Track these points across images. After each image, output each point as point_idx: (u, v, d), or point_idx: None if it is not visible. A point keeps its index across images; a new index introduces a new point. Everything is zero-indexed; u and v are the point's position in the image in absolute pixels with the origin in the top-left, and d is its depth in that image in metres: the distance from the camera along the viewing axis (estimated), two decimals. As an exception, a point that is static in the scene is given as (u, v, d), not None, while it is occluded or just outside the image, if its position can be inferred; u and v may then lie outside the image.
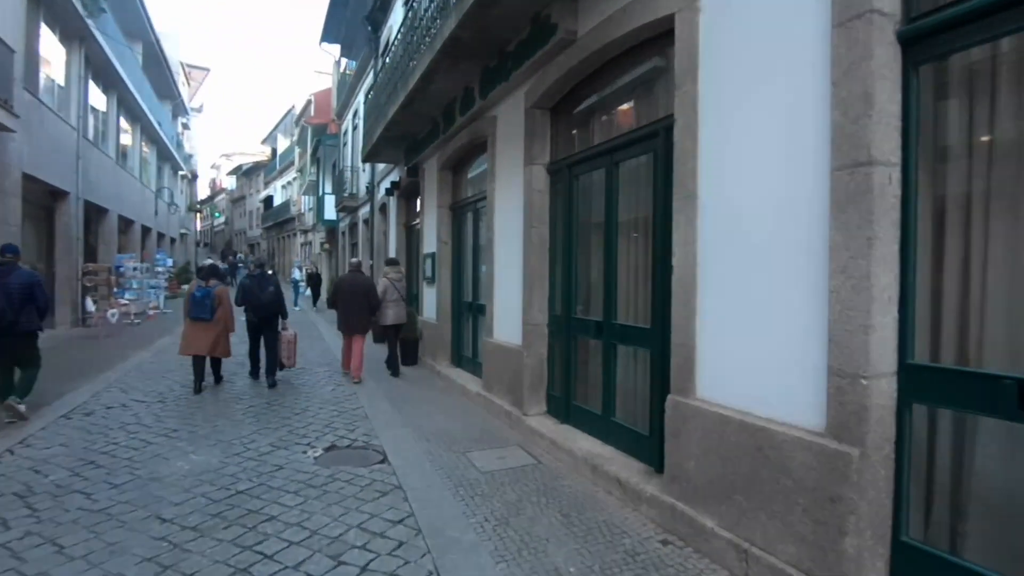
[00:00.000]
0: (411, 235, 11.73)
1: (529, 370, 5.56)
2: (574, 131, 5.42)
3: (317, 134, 24.73)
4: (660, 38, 3.98)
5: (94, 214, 16.55)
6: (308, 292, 21.93)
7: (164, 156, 26.96)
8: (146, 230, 22.91)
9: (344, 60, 21.79)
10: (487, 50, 5.92)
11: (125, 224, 20.00)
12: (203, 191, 62.40)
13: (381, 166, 14.11)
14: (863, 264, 2.45)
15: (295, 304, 20.13)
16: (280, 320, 7.86)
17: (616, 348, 4.60)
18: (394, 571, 3.03)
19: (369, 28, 14.60)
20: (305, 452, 4.96)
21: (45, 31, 12.51)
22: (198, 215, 50.59)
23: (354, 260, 8.77)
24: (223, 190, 63.27)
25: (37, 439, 5.27)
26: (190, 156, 36.63)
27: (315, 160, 25.20)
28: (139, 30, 21.40)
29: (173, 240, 30.53)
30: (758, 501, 2.89)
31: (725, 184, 3.22)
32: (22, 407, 5.65)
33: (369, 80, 14.19)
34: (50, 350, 7.67)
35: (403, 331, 9.21)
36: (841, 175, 2.53)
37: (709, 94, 3.35)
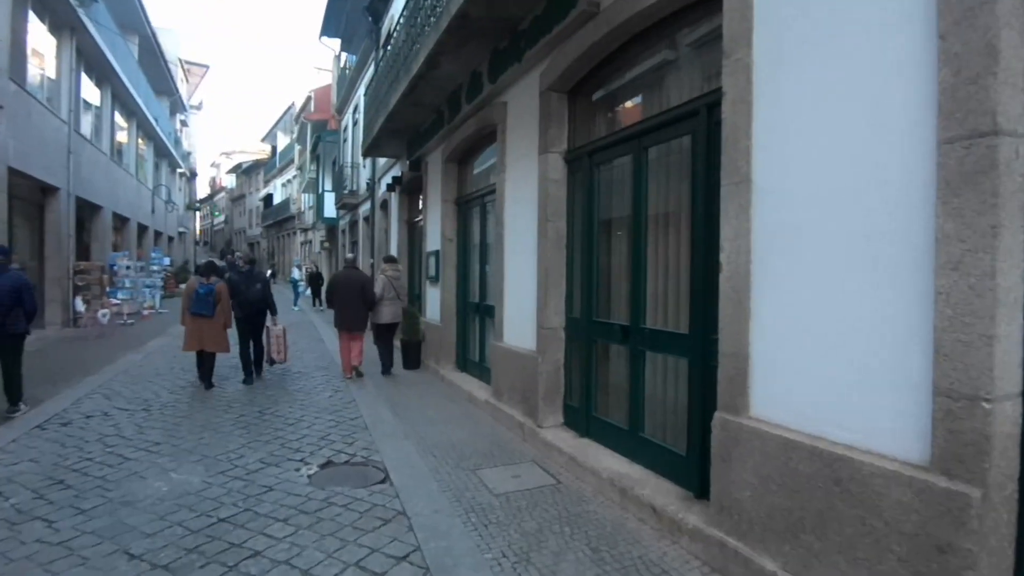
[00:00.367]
0: (414, 232, 11.25)
1: (544, 378, 5.07)
2: (595, 115, 4.93)
3: (317, 130, 24.26)
4: (700, 3, 3.49)
5: (87, 211, 16.09)
6: (308, 292, 21.44)
7: (161, 153, 26.49)
8: (142, 228, 22.45)
9: (344, 55, 21.32)
10: (497, 28, 5.44)
11: (120, 222, 19.54)
12: (203, 190, 62.05)
13: (382, 161, 13.62)
14: (984, 259, 1.96)
15: (294, 305, 19.65)
16: (270, 316, 7.94)
17: (645, 356, 4.11)
18: (398, 625, 2.55)
19: (370, 19, 14.13)
20: (298, 469, 4.47)
21: (33, 20, 12.03)
22: (197, 214, 50.20)
23: (349, 256, 8.67)
24: (223, 189, 62.83)
25: (5, 453, 4.80)
26: (188, 154, 36.18)
27: (315, 157, 24.71)
28: (135, 24, 20.94)
29: (171, 239, 30.06)
30: (835, 544, 2.41)
31: (789, 165, 2.72)
32: (24, 407, 5.97)
33: (370, 73, 13.69)
34: (36, 352, 7.27)
35: (406, 333, 8.74)
36: (953, 149, 2.04)
37: (766, 61, 2.86)
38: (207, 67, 41.83)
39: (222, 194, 62.77)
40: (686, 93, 3.79)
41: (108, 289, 14.42)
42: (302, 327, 14.60)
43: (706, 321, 3.41)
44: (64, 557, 3.09)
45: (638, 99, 4.41)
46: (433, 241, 8.73)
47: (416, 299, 10.74)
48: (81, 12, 13.21)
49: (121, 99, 18.58)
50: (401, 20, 8.04)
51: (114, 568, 2.98)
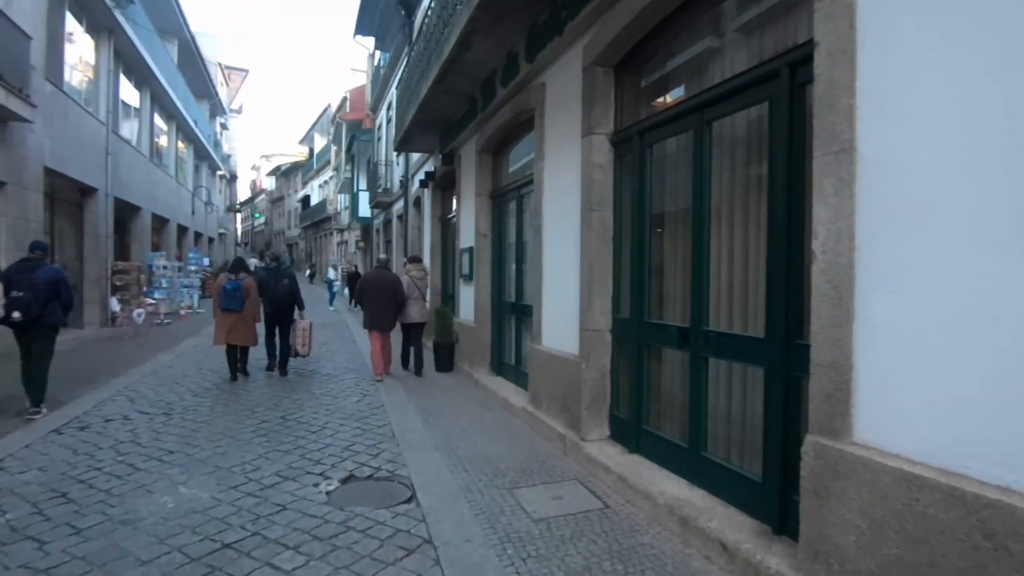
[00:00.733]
0: (447, 229, 10.84)
1: (588, 385, 4.55)
2: (646, 90, 4.40)
3: (352, 130, 24.18)
4: (779, -56, 2.93)
5: (127, 212, 16.23)
6: (345, 292, 21.29)
7: (201, 155, 26.85)
8: (182, 229, 22.72)
9: (378, 53, 21.16)
10: (535, 1, 4.95)
11: (160, 223, 19.75)
12: (244, 192, 63.36)
13: (415, 157, 13.28)
14: None
15: (330, 305, 19.52)
16: (296, 311, 8.13)
17: (707, 363, 3.55)
18: None
19: (403, 12, 13.81)
20: (317, 485, 4.06)
21: (71, 21, 12.09)
22: (238, 215, 51.17)
23: (382, 256, 8.75)
24: (263, 191, 64.02)
25: (16, 459, 4.53)
26: (228, 156, 36.76)
27: (350, 157, 24.64)
28: (174, 28, 21.18)
29: (211, 240, 30.49)
30: (986, 618, 1.83)
31: (910, 127, 2.15)
32: (43, 409, 5.84)
33: (403, 69, 13.38)
34: (71, 352, 7.15)
35: (439, 335, 8.33)
36: None
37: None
38: (247, 71, 42.63)
39: (262, 196, 63.96)
40: (760, 53, 3.22)
41: (145, 289, 14.46)
42: (335, 327, 14.40)
43: (789, 323, 2.85)
44: (46, 589, 2.72)
45: (698, 67, 3.84)
46: (466, 237, 8.28)
47: (449, 299, 10.33)
48: (118, 13, 13.26)
49: (160, 101, 18.75)
50: (433, 3, 7.62)
51: (98, 605, 2.60)
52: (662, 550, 3.14)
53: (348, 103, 27.82)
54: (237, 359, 7.70)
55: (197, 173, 26.51)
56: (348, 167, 25.46)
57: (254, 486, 4.00)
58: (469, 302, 8.16)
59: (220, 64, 33.67)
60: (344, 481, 4.16)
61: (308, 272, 37.89)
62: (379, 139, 19.93)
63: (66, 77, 11.80)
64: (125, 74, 15.48)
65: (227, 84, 37.82)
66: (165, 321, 14.74)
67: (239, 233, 55.57)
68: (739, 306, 3.37)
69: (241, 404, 6.34)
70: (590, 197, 4.54)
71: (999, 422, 1.87)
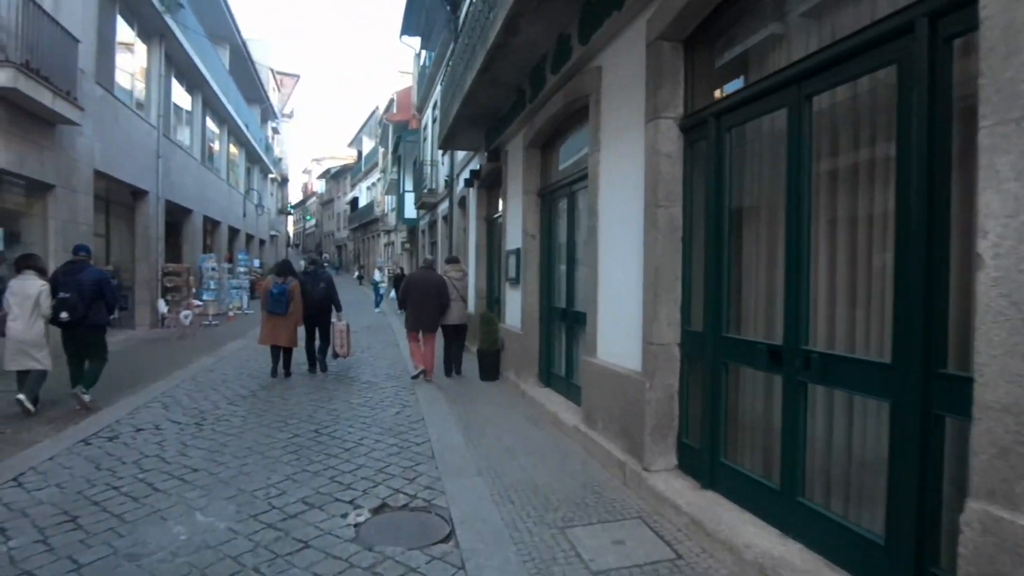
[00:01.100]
0: (492, 230, 10.37)
1: (653, 407, 3.96)
2: (723, 66, 3.78)
3: (398, 131, 24.08)
4: None
5: (179, 215, 16.46)
6: (392, 294, 21.12)
7: (253, 159, 27.31)
8: (234, 231, 23.07)
9: (424, 52, 20.97)
10: (592, -29, 4.40)
11: (212, 225, 20.06)
12: (296, 195, 64.89)
13: (460, 156, 12.89)
14: None
15: (376, 307, 19.35)
16: (334, 312, 8.36)
17: (806, 389, 2.92)
18: None
19: (448, 7, 13.43)
20: (345, 515, 3.61)
21: (122, 26, 12.20)
22: (290, 218, 52.33)
23: (428, 257, 8.64)
24: (314, 193, 65.38)
25: (37, 473, 4.28)
26: (279, 160, 37.47)
27: (396, 159, 24.59)
28: (226, 34, 21.52)
29: (263, 242, 31.05)
30: None
31: None
32: (87, 397, 5.99)
33: (448, 64, 13.01)
34: (118, 353, 7.10)
35: (484, 342, 7.86)
36: None
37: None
38: (298, 76, 43.48)
39: (313, 199, 65.34)
40: (873, 12, 2.58)
41: (194, 290, 14.56)
42: (379, 330, 14.16)
43: (928, 346, 2.21)
44: (26, 646, 2.34)
45: (791, 33, 3.20)
46: (513, 239, 7.78)
47: (494, 303, 9.85)
48: (168, 18, 13.36)
49: (212, 105, 19.01)
50: (478, -12, 7.15)
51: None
52: (755, 624, 2.54)
53: (395, 104, 27.80)
54: (280, 357, 7.97)
55: (249, 176, 26.99)
56: (394, 168, 25.42)
57: (276, 515, 3.59)
58: (516, 307, 7.65)
59: (272, 69, 34.33)
60: (376, 511, 3.71)
61: (356, 274, 38.23)
62: (424, 139, 19.71)
63: (117, 81, 11.91)
64: (177, 78, 15.68)
65: (279, 89, 38.60)
66: (213, 323, 14.81)
67: (291, 235, 56.92)
68: (852, 322, 2.73)
69: (275, 415, 6.00)
70: (655, 191, 3.95)
71: None
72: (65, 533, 3.34)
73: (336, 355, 8.43)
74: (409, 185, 21.62)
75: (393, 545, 3.22)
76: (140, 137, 12.81)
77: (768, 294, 3.27)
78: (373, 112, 38.46)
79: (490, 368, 7.95)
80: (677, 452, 3.98)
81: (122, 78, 12.30)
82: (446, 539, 3.32)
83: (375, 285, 21.08)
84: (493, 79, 6.87)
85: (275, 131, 36.74)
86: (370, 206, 38.39)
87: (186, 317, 12.10)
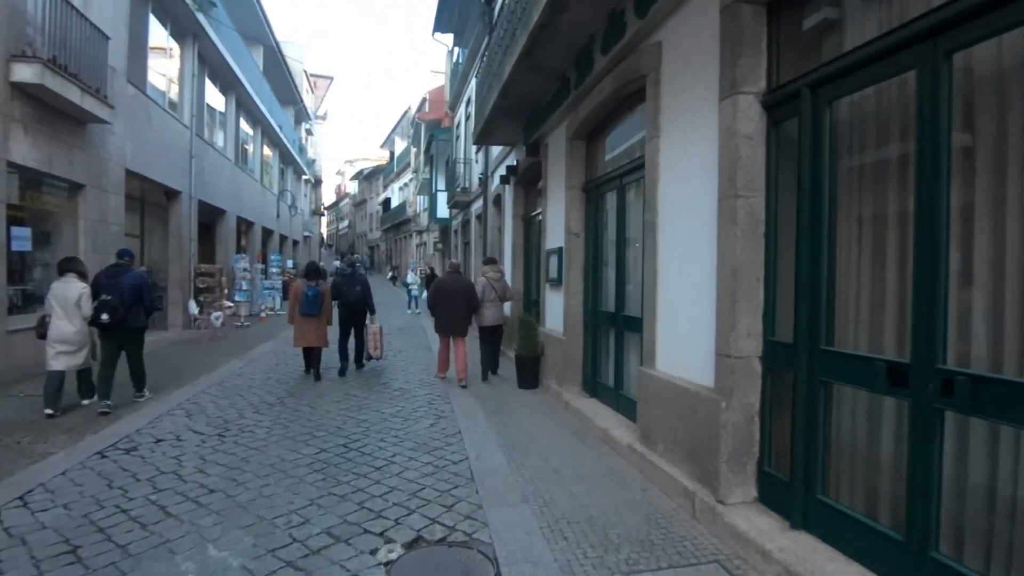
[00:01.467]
0: (530, 229, 9.87)
1: (730, 430, 3.39)
2: (814, 28, 3.19)
3: (430, 130, 23.78)
4: None
5: (213, 215, 16.39)
6: (424, 294, 20.77)
7: (287, 160, 27.36)
8: (267, 232, 23.07)
9: (457, 49, 20.62)
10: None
11: (246, 226, 20.03)
12: (330, 196, 65.52)
13: (495, 152, 12.42)
14: None
15: (408, 308, 19.00)
16: (368, 315, 8.52)
17: (944, 418, 2.33)
18: None
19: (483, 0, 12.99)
20: (375, 552, 3.15)
21: (155, 25, 12.07)
22: (323, 219, 52.73)
23: (454, 261, 8.58)
24: (347, 195, 65.91)
25: (46, 491, 3.95)
26: (313, 161, 37.64)
27: (428, 158, 24.27)
28: (260, 35, 21.51)
29: (296, 243, 31.15)
30: None
31: None
32: (143, 397, 6.54)
33: (483, 56, 12.56)
34: (147, 355, 6.98)
35: (523, 347, 7.37)
36: None
37: None
38: (331, 78, 43.70)
39: (346, 200, 65.87)
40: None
41: (226, 291, 14.41)
42: (411, 332, 13.81)
43: None
44: None
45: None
46: (554, 237, 7.26)
47: (532, 305, 9.35)
48: (201, 17, 13.22)
49: (245, 106, 18.95)
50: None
51: None
52: None
53: (427, 103, 27.53)
54: (312, 356, 8.09)
55: (282, 177, 27.04)
56: (426, 168, 25.13)
57: (297, 551, 3.14)
58: (557, 311, 7.13)
59: (305, 71, 34.49)
60: (409, 546, 3.24)
61: (390, 275, 38.13)
62: (457, 137, 19.32)
63: (149, 80, 11.78)
64: (210, 79, 15.58)
65: (312, 91, 38.83)
66: (245, 324, 14.66)
67: (324, 236, 57.41)
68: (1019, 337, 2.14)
69: (301, 426, 5.60)
70: (733, 180, 3.39)
71: None
72: (62, 568, 2.95)
73: (370, 357, 8.57)
74: (441, 184, 21.25)
75: (430, 594, 2.74)
76: (173, 137, 12.68)
77: (886, 300, 2.68)
78: (405, 112, 38.39)
79: (529, 375, 7.44)
80: (757, 483, 3.41)
81: (155, 78, 12.18)
82: (492, 586, 2.83)
83: (407, 286, 20.77)
84: (535, 65, 6.36)
85: (309, 133, 36.94)
86: (402, 206, 38.28)
87: (217, 319, 11.90)
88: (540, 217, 8.28)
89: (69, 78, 7.77)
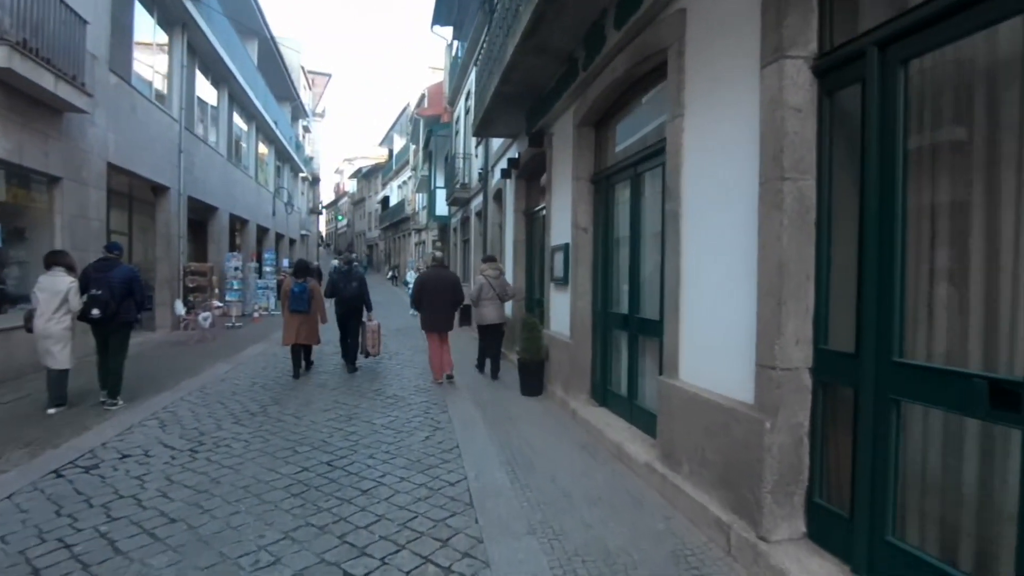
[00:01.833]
0: (533, 224, 9.36)
1: (775, 454, 2.88)
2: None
3: (429, 125, 23.25)
4: None
5: (205, 212, 15.88)
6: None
7: (283, 157, 26.83)
8: (263, 230, 22.53)
9: (456, 43, 20.11)
10: None
11: (240, 224, 19.51)
12: (328, 195, 65.03)
13: (496, 146, 11.91)
14: None
15: (411, 309, 18.39)
16: (365, 312, 8.42)
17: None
18: None
19: (483, -13, 12.49)
20: (356, 601, 2.64)
21: (142, 13, 11.54)
22: (322, 217, 52.21)
23: (438, 255, 8.30)
24: (345, 193, 65.39)
25: (-15, 520, 3.43)
26: (310, 159, 37.09)
27: (427, 155, 23.75)
28: (254, 28, 20.99)
29: (293, 241, 30.61)
30: None
31: None
32: (117, 405, 6.05)
33: (484, 43, 12.04)
34: (131, 358, 6.70)
35: (526, 351, 6.86)
36: None
37: None
38: (329, 75, 43.17)
39: (345, 198, 65.33)
40: None
41: (217, 291, 13.90)
42: (410, 333, 13.33)
43: None
44: None
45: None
46: (560, 233, 6.75)
47: (536, 306, 8.84)
48: (191, 6, 12.71)
49: (239, 101, 18.42)
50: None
51: None
52: None
53: (426, 99, 27.03)
54: (302, 357, 8.06)
55: (279, 175, 26.50)
56: (425, 165, 24.62)
57: (262, 600, 2.64)
58: (563, 312, 6.61)
59: (303, 68, 33.95)
60: (397, 592, 2.73)
61: (390, 275, 37.57)
62: (457, 132, 18.82)
63: (135, 71, 11.26)
64: (201, 71, 15.05)
65: (310, 88, 38.28)
66: (236, 324, 14.15)
67: (324, 234, 56.91)
68: None
69: (283, 439, 5.09)
70: (778, 159, 2.88)
71: None
72: (-24, 625, 2.44)
73: (368, 354, 8.44)
74: (440, 181, 20.73)
75: (419, 661, 2.23)
76: (160, 130, 12.15)
77: (989, 304, 2.18)
78: (404, 109, 37.89)
79: (533, 381, 6.94)
80: (806, 516, 2.90)
81: (141, 68, 11.65)
82: (495, 650, 2.32)
83: (408, 285, 20.23)
84: (539, 45, 5.85)
85: (306, 130, 36.39)
86: (401, 205, 37.76)
87: (205, 319, 11.39)
88: (544, 212, 7.78)
89: (41, 63, 7.25)
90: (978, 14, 2.13)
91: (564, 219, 6.53)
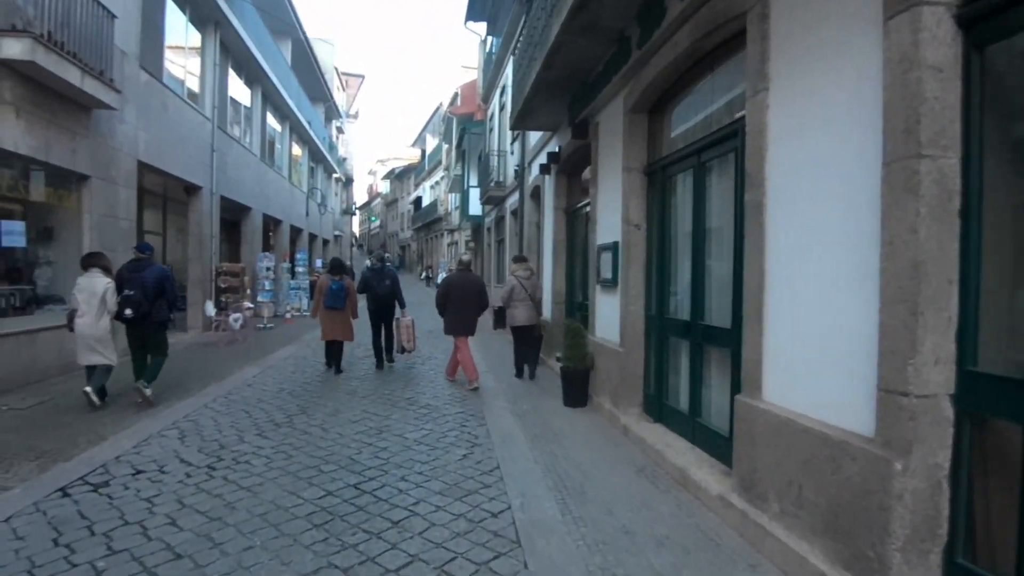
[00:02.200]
0: (574, 222, 8.81)
1: (907, 501, 2.29)
2: None
3: (462, 124, 22.86)
4: None
5: (239, 213, 15.77)
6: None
7: (316, 158, 26.81)
8: (296, 231, 22.46)
9: (490, 39, 19.68)
10: None
11: (274, 224, 19.42)
12: (362, 196, 65.53)
13: (533, 141, 11.38)
14: None
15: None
16: (398, 308, 8.53)
17: None
18: None
19: (519, -24, 11.98)
20: (384, 677, 2.15)
21: (173, 10, 11.37)
22: (355, 218, 52.51)
23: (464, 258, 8.15)
24: (378, 194, 65.74)
25: (-22, 548, 3.06)
26: (344, 160, 37.18)
27: (460, 154, 23.38)
28: (288, 28, 20.94)
29: (326, 242, 30.63)
30: None
31: None
32: (148, 391, 6.06)
33: (522, 31, 11.52)
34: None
35: (570, 359, 6.33)
36: None
37: None
38: (363, 77, 43.33)
39: (378, 199, 65.69)
40: None
41: (248, 291, 13.71)
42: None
43: None
44: None
45: None
46: (608, 230, 6.19)
47: (577, 309, 8.30)
48: (224, 4, 12.52)
49: (273, 101, 18.31)
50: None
51: None
52: None
53: (459, 98, 26.66)
54: (334, 353, 8.27)
55: (312, 175, 26.48)
56: (458, 165, 24.25)
57: (272, 672, 2.17)
58: (611, 317, 6.05)
59: (336, 69, 34.01)
60: (434, 664, 2.23)
61: (424, 275, 37.38)
62: (491, 130, 18.37)
63: (167, 68, 11.09)
64: (234, 70, 14.92)
65: (344, 89, 38.41)
66: (268, 325, 13.95)
67: (357, 235, 57.25)
68: None
69: (308, 455, 4.65)
70: (912, 132, 2.29)
71: None
72: None
73: (403, 349, 8.49)
74: (474, 180, 20.32)
75: None
76: (192, 129, 11.99)
77: None
78: (437, 109, 37.69)
79: (577, 391, 6.39)
80: (948, 582, 2.30)
81: (173, 67, 11.49)
82: None
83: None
84: (588, 23, 5.31)
85: (339, 131, 36.48)
86: (433, 205, 37.56)
87: (236, 320, 11.15)
88: (588, 208, 7.22)
89: (66, 57, 7.01)
90: None
91: (613, 215, 5.97)
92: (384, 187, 62.53)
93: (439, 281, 20.19)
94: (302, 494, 3.84)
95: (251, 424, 5.55)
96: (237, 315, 11.26)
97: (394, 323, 8.59)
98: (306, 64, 23.98)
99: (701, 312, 4.52)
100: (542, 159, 9.68)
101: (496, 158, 15.93)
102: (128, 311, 5.85)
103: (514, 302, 7.74)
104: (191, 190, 12.44)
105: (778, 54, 3.23)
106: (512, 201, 14.03)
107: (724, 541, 3.26)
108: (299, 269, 17.66)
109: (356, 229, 58.49)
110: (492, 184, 15.64)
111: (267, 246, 18.15)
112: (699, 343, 4.54)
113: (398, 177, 53.95)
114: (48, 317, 7.63)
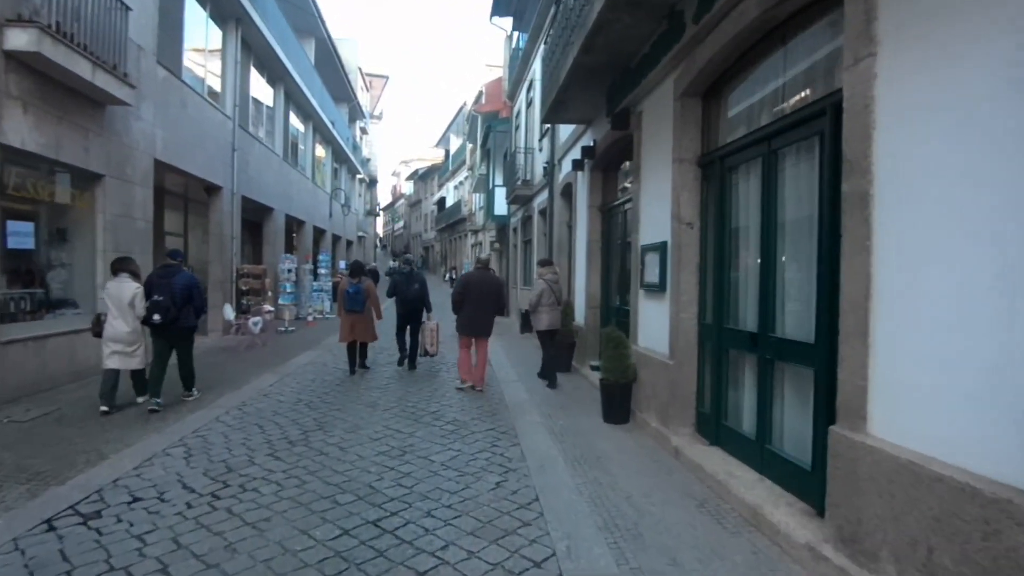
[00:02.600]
0: (611, 221, 8.21)
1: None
2: None
3: (487, 122, 22.37)
4: None
5: (261, 213, 15.49)
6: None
7: (340, 158, 26.58)
8: (319, 232, 22.20)
9: (516, 34, 19.16)
10: None
11: (296, 225, 19.14)
12: (386, 197, 65.56)
13: (564, 136, 10.81)
14: None
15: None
16: (425, 312, 8.55)
17: None
18: None
19: (549, -36, 11.43)
20: None
21: (192, 6, 11.06)
22: (379, 219, 52.42)
23: (482, 257, 8.23)
24: (402, 195, 65.72)
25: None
26: (367, 160, 37.00)
27: (485, 153, 22.88)
28: (311, 27, 20.70)
29: (350, 243, 30.42)
30: None
31: None
32: (196, 393, 6.62)
33: (555, 20, 10.95)
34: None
35: (610, 372, 5.75)
36: None
37: None
38: (387, 77, 43.18)
39: (401, 200, 65.67)
40: None
41: (269, 293, 13.38)
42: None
43: None
44: None
45: None
46: (654, 229, 5.59)
47: (614, 315, 7.70)
48: (244, 0, 12.20)
49: (296, 100, 18.04)
50: None
51: None
52: None
53: (484, 96, 26.18)
54: (357, 355, 8.41)
55: (336, 176, 26.25)
56: (483, 164, 23.76)
57: None
58: (658, 325, 5.46)
59: (360, 69, 33.82)
60: None
61: (448, 276, 37.03)
62: (517, 127, 17.82)
63: (186, 65, 10.77)
64: (256, 68, 14.62)
65: (367, 90, 38.26)
66: (289, 329, 13.60)
67: (380, 236, 57.22)
68: None
69: (323, 481, 4.15)
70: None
71: None
72: None
73: (426, 352, 8.56)
74: (499, 180, 19.80)
75: None
76: (212, 127, 11.68)
77: None
78: (461, 108, 37.26)
79: (619, 407, 5.81)
80: None
81: (193, 64, 11.19)
82: None
83: (464, 288, 19.42)
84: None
85: (363, 131, 36.31)
86: (457, 205, 37.15)
87: (256, 324, 10.78)
88: (628, 205, 6.63)
89: (76, 49, 6.66)
90: None
91: (660, 212, 5.38)
92: (408, 188, 62.44)
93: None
94: (314, 533, 3.33)
95: (263, 441, 5.09)
96: (257, 319, 10.90)
97: (420, 327, 8.63)
98: (330, 64, 23.74)
99: (771, 323, 3.90)
100: (575, 154, 9.11)
101: (523, 156, 15.37)
102: (156, 316, 5.94)
103: (542, 306, 7.73)
104: (211, 190, 12.15)
105: (891, 8, 2.62)
106: (540, 200, 13.47)
107: (821, 607, 2.66)
108: (322, 271, 17.31)
109: (380, 230, 58.45)
110: (519, 183, 15.09)
111: (290, 247, 17.87)
112: (769, 359, 3.92)
113: (421, 178, 53.75)
114: (60, 322, 7.31)
